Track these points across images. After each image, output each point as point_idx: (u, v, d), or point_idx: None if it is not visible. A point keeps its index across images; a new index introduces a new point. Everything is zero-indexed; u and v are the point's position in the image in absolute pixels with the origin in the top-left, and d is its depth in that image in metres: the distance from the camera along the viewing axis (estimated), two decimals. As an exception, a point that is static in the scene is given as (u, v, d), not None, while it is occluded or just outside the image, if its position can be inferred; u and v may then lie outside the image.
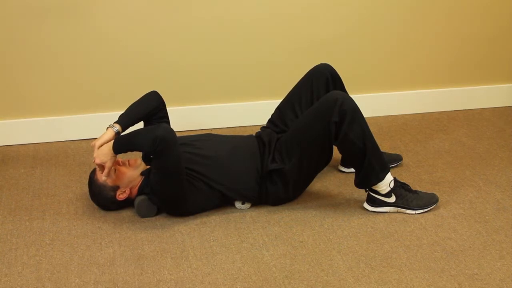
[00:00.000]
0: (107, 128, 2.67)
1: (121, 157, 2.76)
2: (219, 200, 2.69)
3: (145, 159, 2.80)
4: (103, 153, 2.55)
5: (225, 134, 2.91)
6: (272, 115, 2.97)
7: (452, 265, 2.38)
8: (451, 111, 3.83)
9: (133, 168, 2.66)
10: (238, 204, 2.74)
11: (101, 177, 2.61)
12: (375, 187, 2.66)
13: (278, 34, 3.44)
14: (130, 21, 3.25)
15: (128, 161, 2.69)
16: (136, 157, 2.77)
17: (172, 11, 3.28)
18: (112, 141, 2.56)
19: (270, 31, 3.43)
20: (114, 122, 2.70)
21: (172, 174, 2.51)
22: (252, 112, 3.55)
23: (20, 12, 3.11)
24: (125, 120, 2.72)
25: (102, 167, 2.57)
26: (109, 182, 2.62)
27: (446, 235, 2.57)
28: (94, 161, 2.59)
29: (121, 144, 2.54)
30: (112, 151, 2.53)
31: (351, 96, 2.62)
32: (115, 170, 2.62)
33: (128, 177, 2.64)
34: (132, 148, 2.56)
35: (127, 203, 2.70)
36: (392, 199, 2.68)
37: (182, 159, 2.53)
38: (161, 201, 2.62)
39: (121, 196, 2.64)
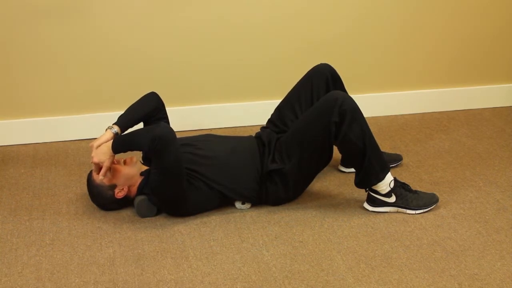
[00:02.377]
0: (106, 130, 2.68)
1: (117, 156, 2.76)
2: (219, 200, 2.69)
3: (145, 160, 2.80)
4: (102, 152, 2.55)
5: (225, 135, 2.91)
6: (272, 115, 2.97)
7: (452, 265, 2.38)
8: (451, 111, 3.83)
9: (129, 166, 2.66)
10: (238, 204, 2.74)
11: (97, 177, 2.61)
12: (375, 187, 2.66)
13: (278, 34, 3.44)
14: (130, 22, 3.25)
15: (124, 160, 2.69)
16: (131, 155, 2.77)
17: (172, 12, 3.28)
18: (111, 140, 2.56)
19: (270, 31, 3.43)
20: (113, 124, 2.70)
21: (172, 173, 2.51)
22: (252, 112, 3.55)
23: (20, 12, 3.11)
24: (124, 122, 2.72)
25: (99, 166, 2.58)
26: (106, 182, 2.62)
27: (446, 235, 2.57)
28: (92, 161, 2.60)
29: (120, 144, 2.54)
30: (111, 151, 2.53)
31: (351, 96, 2.62)
32: (110, 169, 2.62)
33: (124, 175, 2.63)
34: (131, 147, 2.56)
35: (127, 202, 2.70)
36: (392, 199, 2.68)
37: (182, 159, 2.53)
38: (161, 201, 2.62)
39: (119, 194, 2.64)
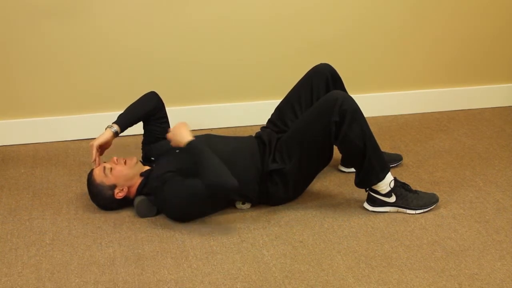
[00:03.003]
0: (105, 129, 2.69)
1: (117, 156, 2.76)
2: (219, 202, 2.68)
3: (145, 160, 2.81)
4: (186, 132, 2.56)
5: (225, 135, 2.91)
6: (272, 115, 2.97)
7: (452, 265, 2.38)
8: (451, 111, 3.83)
9: (129, 167, 2.65)
10: (238, 204, 2.74)
11: (98, 177, 2.62)
12: (375, 187, 2.66)
13: (278, 34, 3.44)
14: (130, 21, 3.25)
15: (125, 160, 2.68)
16: (132, 156, 2.76)
17: (172, 12, 3.28)
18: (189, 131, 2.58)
19: (270, 31, 3.43)
20: (113, 123, 2.71)
21: (202, 205, 2.58)
22: (252, 112, 3.55)
23: (20, 12, 3.11)
24: (123, 121, 2.73)
25: (102, 165, 2.59)
26: (106, 182, 2.62)
27: (446, 235, 2.57)
28: (92, 161, 2.63)
29: (192, 152, 2.53)
30: (190, 137, 2.55)
31: (351, 96, 2.62)
32: (111, 169, 2.62)
33: (125, 175, 2.63)
34: (195, 164, 2.52)
35: (127, 203, 2.70)
36: (392, 199, 2.68)
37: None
38: (165, 213, 2.64)
39: (119, 194, 2.64)
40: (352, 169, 2.97)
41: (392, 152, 3.21)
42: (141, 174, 2.67)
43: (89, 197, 2.72)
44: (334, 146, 2.69)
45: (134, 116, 2.78)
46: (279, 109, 2.95)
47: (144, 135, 2.88)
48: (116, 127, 2.70)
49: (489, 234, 2.57)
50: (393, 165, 3.10)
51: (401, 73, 3.72)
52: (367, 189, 2.71)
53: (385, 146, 3.32)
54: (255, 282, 2.28)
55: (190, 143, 2.53)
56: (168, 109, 2.91)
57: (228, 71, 3.46)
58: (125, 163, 2.67)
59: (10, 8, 3.10)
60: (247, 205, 2.74)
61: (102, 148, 2.72)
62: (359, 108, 2.57)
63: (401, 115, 3.77)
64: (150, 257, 2.41)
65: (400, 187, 2.69)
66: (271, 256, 2.43)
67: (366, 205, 2.74)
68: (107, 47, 3.27)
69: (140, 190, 2.66)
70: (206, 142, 2.76)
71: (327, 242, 2.51)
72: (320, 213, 2.71)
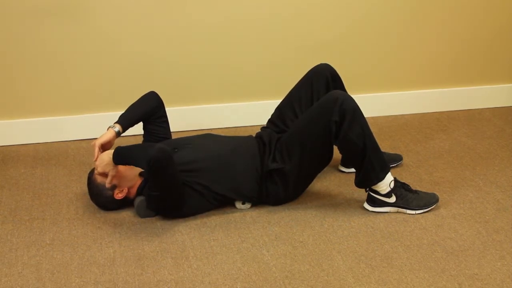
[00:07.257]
0: (107, 129, 2.69)
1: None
2: (218, 202, 2.69)
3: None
4: (105, 163, 2.56)
5: (225, 135, 2.91)
6: (272, 115, 2.97)
7: (452, 265, 2.38)
8: (451, 111, 3.83)
9: (129, 168, 2.65)
10: (238, 204, 2.74)
11: (99, 177, 2.62)
12: (375, 187, 2.66)
13: (278, 34, 3.44)
14: (130, 22, 3.25)
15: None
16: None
17: (172, 12, 3.28)
18: (112, 150, 2.56)
19: (270, 31, 3.43)
20: (115, 122, 2.72)
21: (169, 189, 2.52)
22: (252, 112, 3.55)
23: (20, 12, 3.11)
24: (125, 121, 2.75)
25: (104, 174, 2.59)
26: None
27: (446, 235, 2.57)
28: (94, 160, 2.62)
29: (121, 157, 2.54)
30: (112, 162, 2.54)
31: (351, 96, 2.62)
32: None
33: (124, 176, 2.63)
34: (131, 163, 2.55)
35: (127, 203, 2.70)
36: (392, 199, 2.68)
37: (179, 177, 2.53)
38: (158, 208, 2.63)
39: (119, 195, 2.65)
40: (352, 169, 2.97)
41: (392, 152, 3.21)
42: (141, 174, 2.67)
43: (89, 197, 2.72)
44: (334, 146, 2.69)
45: (135, 115, 2.79)
46: (279, 109, 2.95)
47: (144, 134, 2.89)
48: (118, 127, 2.70)
49: (489, 234, 2.57)
50: (393, 165, 3.10)
51: (401, 73, 3.72)
52: (367, 189, 2.71)
53: (385, 146, 3.32)
54: (255, 282, 2.28)
55: (114, 156, 2.52)
56: (168, 109, 2.91)
57: (228, 71, 3.46)
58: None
59: (10, 8, 3.10)
60: (247, 205, 2.74)
61: (104, 147, 2.72)
62: (359, 108, 2.57)
63: (401, 115, 3.77)
64: (150, 257, 2.41)
65: (400, 187, 2.69)
66: (271, 256, 2.43)
67: (366, 205, 2.74)
68: (107, 47, 3.27)
69: (140, 190, 2.66)
70: (206, 142, 2.77)
71: (327, 242, 2.51)
72: (320, 213, 2.71)
